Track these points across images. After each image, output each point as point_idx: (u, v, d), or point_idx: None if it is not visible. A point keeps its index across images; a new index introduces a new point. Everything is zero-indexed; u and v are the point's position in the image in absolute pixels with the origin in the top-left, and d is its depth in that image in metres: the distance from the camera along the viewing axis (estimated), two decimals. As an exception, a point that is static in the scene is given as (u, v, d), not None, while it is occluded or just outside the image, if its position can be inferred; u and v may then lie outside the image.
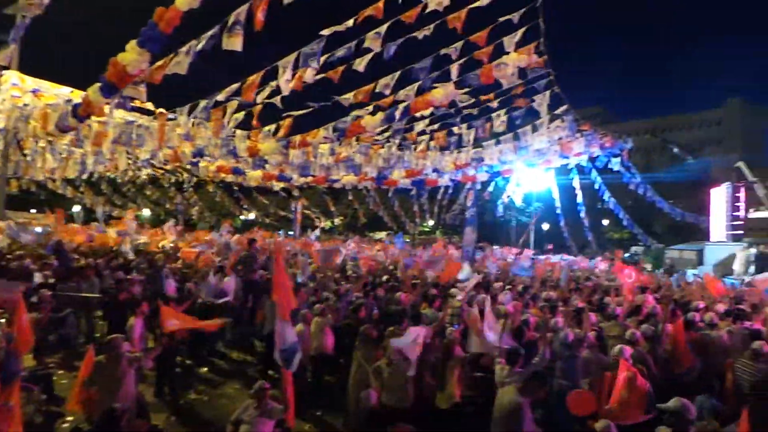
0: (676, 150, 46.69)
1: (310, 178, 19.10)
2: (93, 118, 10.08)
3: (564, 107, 14.72)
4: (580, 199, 24.47)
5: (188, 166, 20.70)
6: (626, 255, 33.84)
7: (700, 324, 7.67)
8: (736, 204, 25.06)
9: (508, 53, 9.78)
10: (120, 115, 12.35)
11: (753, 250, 20.93)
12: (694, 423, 4.27)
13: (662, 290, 12.18)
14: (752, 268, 20.02)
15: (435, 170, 17.71)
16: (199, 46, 7.36)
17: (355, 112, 11.37)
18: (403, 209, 32.34)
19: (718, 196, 26.73)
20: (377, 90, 10.58)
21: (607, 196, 23.53)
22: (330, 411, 7.16)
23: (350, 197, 31.10)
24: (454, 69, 10.11)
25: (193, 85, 10.81)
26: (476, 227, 19.16)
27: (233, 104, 10.34)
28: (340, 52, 9.23)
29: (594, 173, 21.99)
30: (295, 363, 5.37)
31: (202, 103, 10.17)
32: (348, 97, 10.73)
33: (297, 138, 13.42)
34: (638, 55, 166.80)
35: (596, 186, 22.84)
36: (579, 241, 29.66)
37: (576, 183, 23.75)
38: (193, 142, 13.53)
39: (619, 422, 4.67)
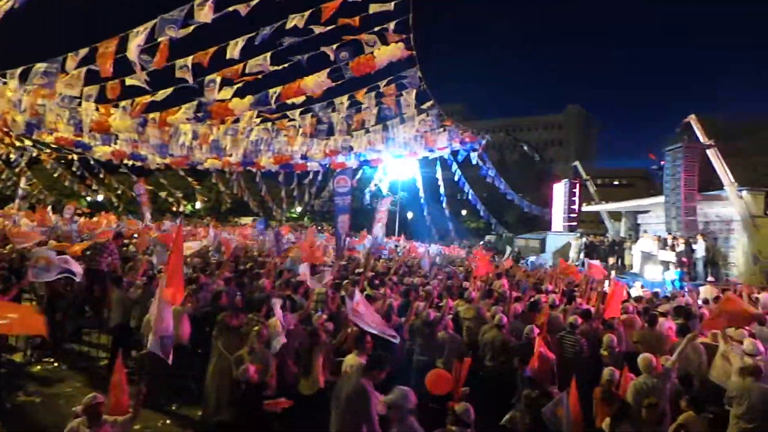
0: (525, 148, 51.32)
1: (168, 159, 17.80)
2: None
3: (430, 103, 15.42)
4: (442, 190, 25.89)
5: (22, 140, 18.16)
6: (481, 243, 36.72)
7: (543, 305, 8.55)
8: (572, 199, 28.43)
9: (379, 47, 9.98)
10: None
11: (584, 239, 23.90)
12: (412, 412, 4.10)
13: (517, 276, 13.36)
14: (582, 254, 22.85)
15: (303, 157, 17.53)
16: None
17: (222, 93, 10.75)
18: (271, 194, 31.60)
19: (558, 191, 30.05)
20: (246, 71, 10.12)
21: (467, 188, 25.17)
22: (187, 404, 6.81)
23: (214, 180, 29.57)
24: (328, 51, 10.03)
25: (33, 49, 9.46)
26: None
27: (78, 73, 9.21)
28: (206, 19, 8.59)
29: (455, 166, 23.39)
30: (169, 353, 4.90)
31: (40, 67, 8.91)
32: (215, 78, 10.13)
33: (155, 115, 12.41)
34: (496, 58, 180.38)
35: (456, 178, 24.33)
36: (440, 229, 31.45)
37: (439, 174, 25.09)
38: (32, 111, 11.81)
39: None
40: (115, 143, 15.75)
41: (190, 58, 9.31)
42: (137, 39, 8.08)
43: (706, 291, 11.75)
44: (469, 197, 26.53)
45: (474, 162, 21.33)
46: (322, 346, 6.00)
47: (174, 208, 35.18)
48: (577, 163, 31.01)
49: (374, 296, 8.09)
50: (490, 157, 24.76)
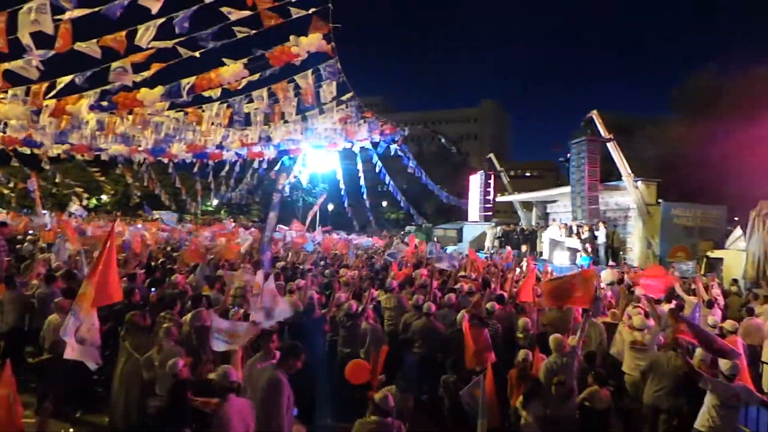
0: (443, 141, 52.38)
1: (67, 146, 16.46)
2: None
3: (349, 94, 15.38)
4: (362, 181, 25.98)
5: None
6: (401, 233, 37.25)
7: (462, 293, 8.83)
8: (488, 189, 29.44)
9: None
10: None
11: (498, 229, 24.95)
12: (233, 389, 4.18)
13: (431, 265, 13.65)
14: (497, 243, 23.86)
15: (219, 146, 16.90)
16: None
17: (130, 77, 10.02)
18: (186, 186, 30.15)
19: (474, 183, 31.06)
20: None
21: (387, 179, 25.42)
22: (92, 410, 6.36)
23: (120, 171, 27.70)
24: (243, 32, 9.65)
25: None
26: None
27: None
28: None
29: (375, 158, 23.56)
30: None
31: None
32: (123, 66, 9.44)
33: (51, 102, 11.42)
34: (414, 52, 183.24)
35: (377, 170, 24.52)
36: (361, 220, 31.58)
37: (359, 166, 25.16)
38: None
39: (477, 366, 5.72)
40: (4, 131, 14.33)
41: (95, 41, 8.65)
42: (31, 16, 7.35)
43: (608, 275, 12.65)
44: (390, 188, 26.82)
45: (393, 153, 21.61)
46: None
47: (79, 203, 32.58)
48: (491, 155, 32.02)
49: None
50: (409, 149, 25.11)
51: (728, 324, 7.23)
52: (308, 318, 6.82)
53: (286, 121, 15.92)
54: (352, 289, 8.75)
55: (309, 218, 17.88)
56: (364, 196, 26.59)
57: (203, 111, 14.34)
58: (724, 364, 5.10)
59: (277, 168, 28.32)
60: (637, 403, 6.17)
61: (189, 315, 6.03)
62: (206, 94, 11.56)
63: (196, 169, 25.29)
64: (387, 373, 5.76)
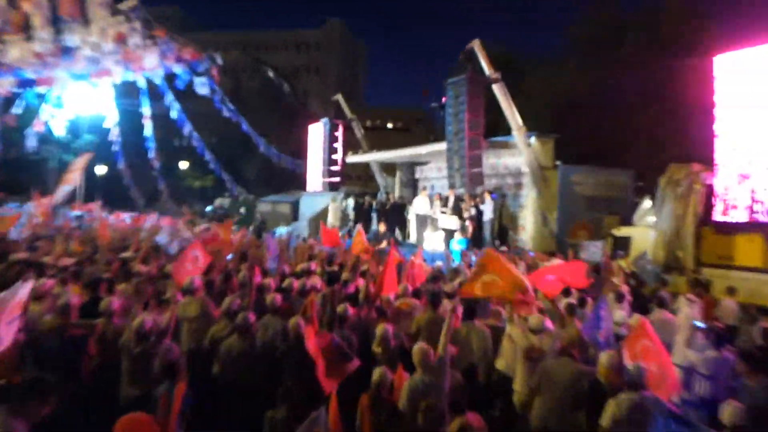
0: (270, 74, 51.73)
1: None
2: None
3: (131, 2, 14.60)
4: (149, 131, 24.74)
5: None
6: (208, 209, 36.14)
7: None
8: (334, 146, 29.09)
9: None
10: None
11: (351, 202, 25.02)
12: None
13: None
14: (351, 219, 24.03)
15: None
16: None
17: None
18: None
19: (316, 136, 30.89)
20: None
21: (188, 129, 24.49)
22: None
23: None
24: None
25: None
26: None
27: None
28: None
29: (170, 96, 22.57)
30: None
31: None
32: None
33: None
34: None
35: (174, 115, 23.47)
36: (147, 190, 30.08)
37: (145, 109, 23.92)
38: None
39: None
40: None
41: None
42: None
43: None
44: (193, 143, 25.93)
45: (200, 92, 20.91)
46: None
47: None
48: (339, 96, 31.54)
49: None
50: (221, 85, 24.40)
51: (634, 320, 7.93)
52: (61, 336, 6.41)
53: (30, 37, 14.62)
54: (144, 295, 8.42)
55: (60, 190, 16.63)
56: (152, 154, 25.40)
57: None
58: (631, 368, 5.65)
59: (16, 108, 25.86)
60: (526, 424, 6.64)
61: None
62: None
63: None
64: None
